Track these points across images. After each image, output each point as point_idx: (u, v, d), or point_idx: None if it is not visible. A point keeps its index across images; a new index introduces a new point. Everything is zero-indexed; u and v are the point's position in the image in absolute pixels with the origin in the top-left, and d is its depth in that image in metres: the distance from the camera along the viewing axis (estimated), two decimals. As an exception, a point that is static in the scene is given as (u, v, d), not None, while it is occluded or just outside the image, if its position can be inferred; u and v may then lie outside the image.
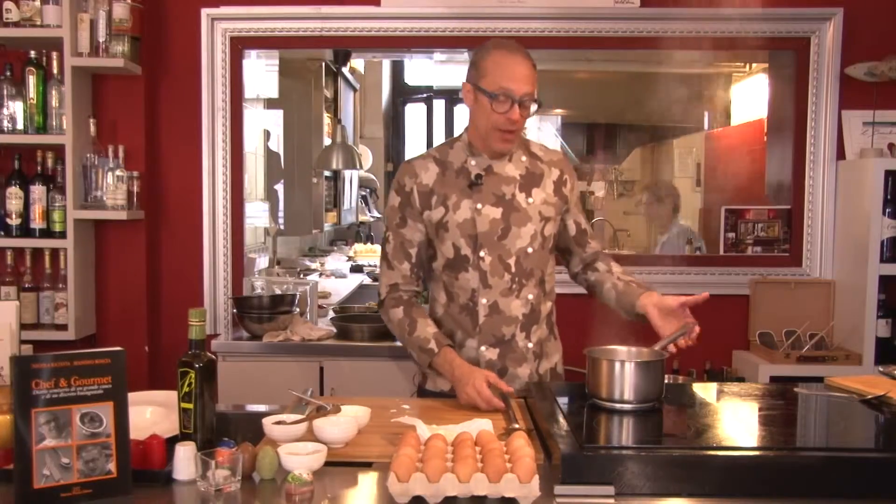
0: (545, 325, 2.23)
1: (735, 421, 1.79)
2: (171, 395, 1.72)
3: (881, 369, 1.69)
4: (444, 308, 2.20)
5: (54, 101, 3.17)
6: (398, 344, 3.12)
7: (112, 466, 1.45)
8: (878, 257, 3.17)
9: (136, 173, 3.28)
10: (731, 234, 3.59)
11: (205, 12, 3.39)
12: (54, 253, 3.22)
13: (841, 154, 3.42)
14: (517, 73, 2.05)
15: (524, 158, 2.20)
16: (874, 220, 3.16)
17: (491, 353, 2.15)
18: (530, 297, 2.16)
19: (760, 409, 1.89)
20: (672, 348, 1.97)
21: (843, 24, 3.36)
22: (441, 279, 2.20)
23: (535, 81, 2.09)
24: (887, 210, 3.18)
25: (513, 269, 2.13)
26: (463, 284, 2.15)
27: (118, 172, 3.19)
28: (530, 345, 2.18)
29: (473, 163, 2.16)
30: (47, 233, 3.21)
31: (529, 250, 2.14)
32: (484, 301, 2.13)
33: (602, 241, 2.34)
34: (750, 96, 4.60)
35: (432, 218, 2.15)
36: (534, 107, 2.10)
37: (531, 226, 2.14)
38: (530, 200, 2.15)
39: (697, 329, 1.99)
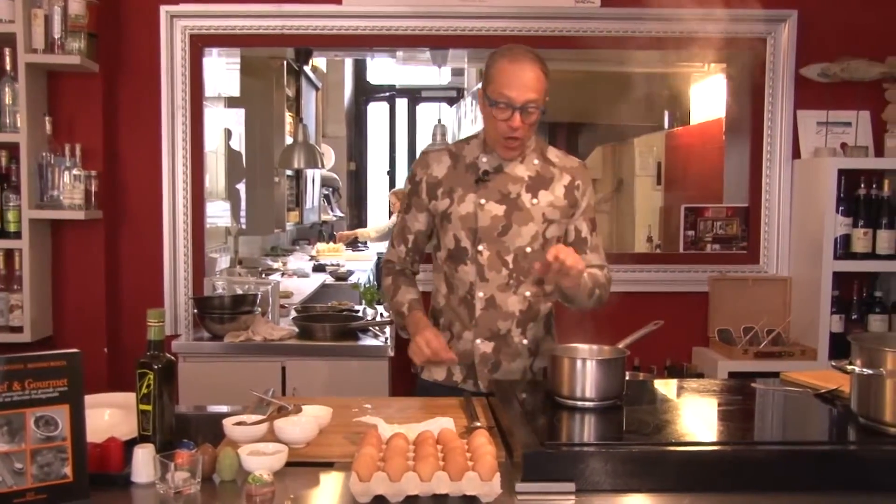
0: (542, 324, 2.26)
1: (694, 416, 1.82)
2: (130, 397, 1.70)
3: (834, 364, 1.72)
4: (445, 299, 2.25)
5: (8, 99, 3.10)
6: (360, 343, 3.13)
7: (68, 471, 1.42)
8: (831, 254, 3.23)
9: (93, 172, 3.23)
10: (691, 232, 3.64)
11: (164, 9, 3.35)
12: (9, 253, 3.15)
13: (796, 153, 3.48)
14: (518, 81, 2.06)
15: (536, 161, 2.21)
16: (828, 217, 3.23)
17: (486, 347, 2.18)
18: (528, 294, 2.18)
19: (719, 405, 1.92)
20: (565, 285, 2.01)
21: (798, 26, 3.42)
22: (443, 269, 2.25)
23: (543, 88, 2.09)
24: (840, 208, 3.25)
25: (510, 266, 2.16)
26: (462, 277, 2.19)
27: (75, 171, 3.14)
28: (525, 341, 2.21)
29: (485, 160, 2.19)
30: (2, 233, 3.14)
31: (528, 250, 2.16)
32: (481, 294, 2.17)
33: (603, 257, 2.30)
34: (709, 96, 4.66)
35: (438, 208, 2.21)
36: (538, 114, 2.09)
37: (533, 226, 2.16)
38: (535, 202, 2.17)
39: (562, 259, 1.93)
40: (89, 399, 1.58)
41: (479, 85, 2.21)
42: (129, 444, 1.56)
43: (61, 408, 1.43)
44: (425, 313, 2.23)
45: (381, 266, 2.39)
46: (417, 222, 2.27)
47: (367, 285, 4.03)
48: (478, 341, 2.18)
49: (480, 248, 2.16)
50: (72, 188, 3.13)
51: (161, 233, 3.42)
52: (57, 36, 3.09)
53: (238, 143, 4.73)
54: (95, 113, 3.31)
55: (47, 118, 3.17)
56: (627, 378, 1.88)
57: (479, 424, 1.79)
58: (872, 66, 3.34)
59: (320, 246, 6.43)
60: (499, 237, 2.15)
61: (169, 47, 3.36)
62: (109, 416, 1.85)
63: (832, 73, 3.36)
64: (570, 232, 2.26)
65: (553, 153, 2.26)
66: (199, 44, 3.41)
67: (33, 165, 3.13)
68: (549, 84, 2.11)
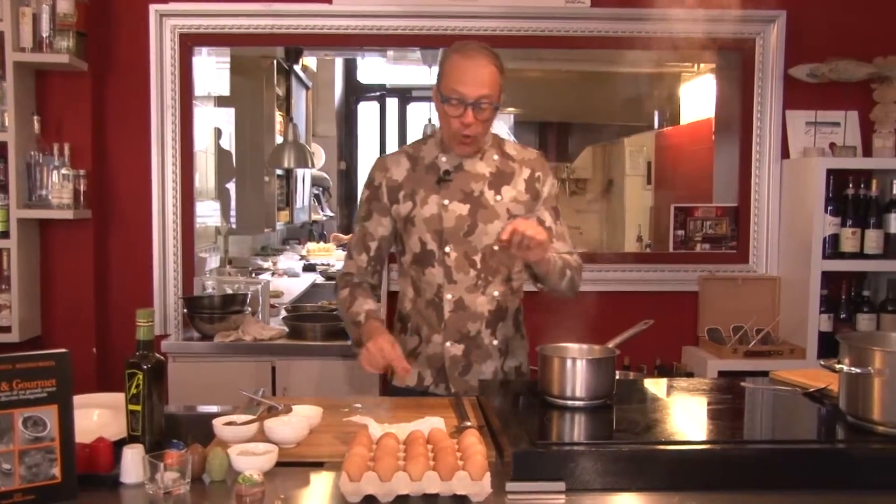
0: (511, 323, 2.24)
1: (684, 416, 1.83)
2: (119, 398, 1.69)
3: (822, 363, 1.73)
4: (412, 303, 2.21)
5: (-5, 98, 3.10)
6: (351, 343, 3.12)
7: (56, 471, 1.42)
8: (820, 254, 3.25)
9: (82, 172, 3.21)
10: (681, 232, 3.65)
11: (153, 8, 3.33)
12: (-4, 253, 3.14)
13: (785, 153, 3.50)
14: (470, 77, 2.03)
15: (496, 157, 2.19)
16: (817, 217, 3.24)
17: (456, 349, 2.15)
18: (496, 294, 2.16)
19: (709, 404, 1.92)
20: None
21: (787, 27, 3.44)
22: (409, 274, 2.21)
23: (497, 84, 2.06)
24: (829, 208, 3.27)
25: (478, 266, 2.14)
26: (429, 279, 2.15)
27: (64, 171, 3.12)
28: (496, 342, 2.19)
29: (444, 159, 2.16)
30: (-10, 233, 3.13)
31: (496, 248, 2.14)
32: (449, 296, 2.14)
33: (570, 244, 2.27)
34: (698, 96, 4.68)
35: (400, 212, 2.17)
36: (491, 110, 2.06)
37: (498, 223, 2.13)
38: (498, 198, 2.15)
39: (522, 231, 1.90)
40: (78, 399, 1.57)
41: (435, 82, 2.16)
42: (119, 445, 1.55)
43: (49, 408, 1.42)
44: (383, 324, 2.11)
45: (338, 279, 2.27)
46: (381, 227, 2.21)
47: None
48: (447, 344, 2.15)
49: (447, 249, 2.13)
50: (60, 188, 3.11)
51: (150, 232, 3.40)
52: (45, 34, 3.08)
53: (228, 143, 4.72)
54: (84, 112, 3.30)
55: (35, 117, 3.16)
56: (618, 377, 1.88)
57: (469, 424, 1.79)
58: (860, 67, 3.35)
59: (310, 245, 6.42)
60: (465, 237, 2.13)
61: (158, 46, 3.35)
62: (98, 416, 1.85)
63: (821, 73, 3.38)
64: None
65: (511, 147, 2.24)
66: (189, 43, 3.39)
67: (21, 165, 3.11)
68: (504, 81, 2.08)
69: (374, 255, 2.23)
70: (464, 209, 2.13)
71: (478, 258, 2.14)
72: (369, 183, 2.23)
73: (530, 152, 2.28)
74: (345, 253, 2.30)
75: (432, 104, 2.21)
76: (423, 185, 2.16)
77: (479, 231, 2.13)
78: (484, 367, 2.18)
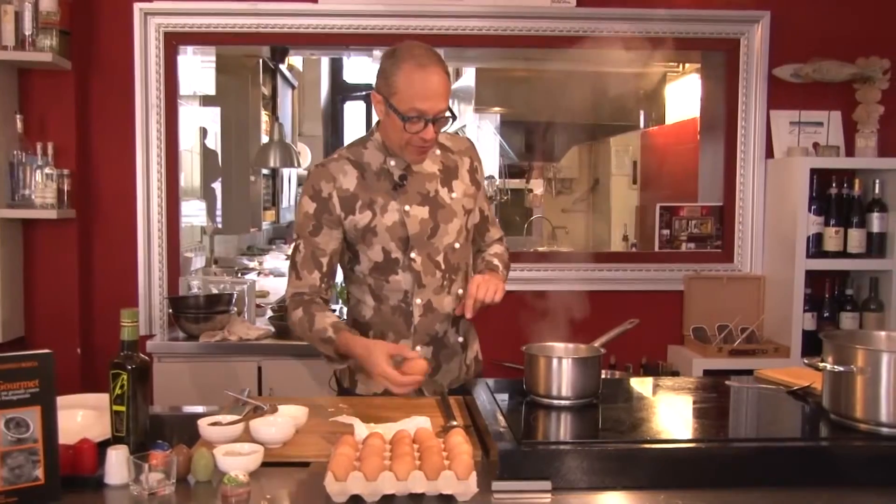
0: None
1: (669, 414, 1.84)
2: (103, 398, 1.68)
3: (806, 361, 1.74)
4: (374, 311, 2.14)
5: (-23, 97, 3.07)
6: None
7: (39, 473, 1.41)
8: (804, 253, 3.27)
9: (66, 171, 3.19)
10: (666, 231, 3.67)
11: (137, 7, 3.32)
12: (-20, 253, 3.12)
13: (770, 153, 3.52)
14: (430, 91, 1.94)
15: (438, 152, 2.15)
16: (801, 216, 3.26)
17: (426, 352, 2.12)
18: (459, 291, 2.15)
19: (694, 402, 1.94)
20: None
21: (771, 27, 3.46)
22: (366, 282, 2.13)
23: (449, 92, 2.01)
24: (813, 207, 3.29)
25: (443, 267, 2.11)
26: (394, 286, 2.10)
27: (47, 170, 3.10)
28: (460, 339, 2.19)
29: (393, 163, 2.09)
30: (-28, 233, 3.10)
31: (456, 245, 2.13)
32: (418, 301, 2.10)
33: (498, 226, 2.35)
34: (684, 96, 4.70)
35: (357, 223, 2.06)
36: (450, 121, 2.03)
37: (457, 221, 2.12)
38: (453, 195, 2.13)
39: (481, 299, 2.03)
40: (62, 400, 1.56)
41: (374, 88, 2.03)
42: (103, 446, 1.54)
43: (33, 409, 1.41)
44: (354, 332, 2.03)
45: (289, 301, 2.12)
46: (334, 241, 2.08)
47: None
48: (417, 348, 2.11)
49: (413, 255, 2.07)
50: (44, 187, 3.09)
51: (135, 232, 3.39)
52: (28, 33, 3.05)
53: (213, 142, 4.69)
54: (68, 111, 3.27)
55: (18, 116, 3.13)
56: (603, 376, 1.88)
57: (455, 423, 1.78)
58: (843, 68, 3.38)
59: (297, 245, 6.39)
60: (428, 240, 2.09)
61: (143, 45, 3.33)
62: (82, 417, 1.83)
63: (804, 73, 3.40)
64: (474, 215, 2.22)
65: (444, 138, 2.18)
66: (174, 42, 3.38)
67: (4, 164, 3.09)
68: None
69: (327, 270, 2.09)
70: (424, 212, 2.08)
71: (441, 258, 2.10)
72: (315, 195, 2.06)
73: (463, 140, 2.26)
74: (289, 271, 2.14)
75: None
76: (378, 192, 2.06)
77: (440, 232, 2.10)
78: (451, 365, 2.18)
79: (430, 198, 2.10)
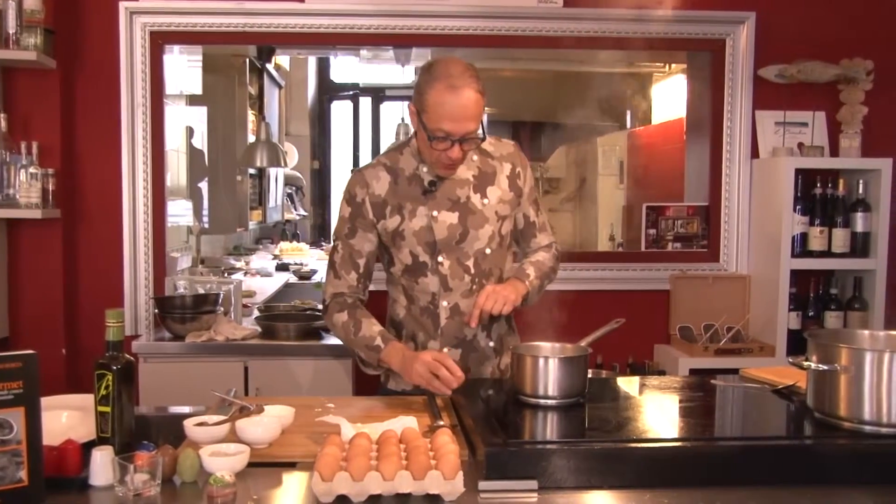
0: (504, 321, 2.24)
1: (656, 413, 1.84)
2: (88, 399, 1.68)
3: (791, 360, 1.75)
4: (406, 310, 2.19)
5: (-39, 95, 3.05)
6: (324, 342, 3.11)
7: (23, 474, 1.40)
8: (789, 252, 3.29)
9: (51, 171, 3.16)
10: (653, 231, 3.68)
11: (123, 5, 3.30)
12: (-37, 253, 3.09)
13: (755, 153, 3.53)
14: (458, 113, 1.96)
15: (475, 158, 2.17)
16: (786, 216, 3.28)
17: (454, 355, 2.13)
18: None
19: (680, 402, 1.94)
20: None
21: (756, 28, 3.48)
22: (400, 283, 2.18)
23: (482, 111, 2.02)
24: (798, 207, 3.31)
25: (472, 271, 2.13)
26: (423, 288, 2.14)
27: (32, 170, 3.08)
28: (491, 343, 2.19)
29: (425, 169, 2.12)
30: (-45, 232, 3.08)
31: (487, 251, 2.14)
32: (445, 304, 2.13)
33: (550, 232, 2.33)
34: (670, 96, 4.72)
35: (387, 227, 2.13)
36: (477, 139, 2.05)
37: (489, 227, 2.13)
38: (486, 201, 2.13)
39: (487, 311, 2.04)
40: (46, 401, 1.55)
41: (412, 100, 2.07)
42: (87, 447, 1.54)
43: (16, 410, 1.40)
44: (401, 343, 2.12)
45: (329, 302, 2.19)
46: (368, 243, 2.16)
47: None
48: (445, 350, 2.14)
49: (440, 259, 2.11)
50: (28, 186, 3.07)
51: (121, 232, 3.37)
52: (12, 31, 3.03)
53: (200, 142, 4.68)
54: (53, 110, 3.25)
55: (2, 115, 3.11)
56: (590, 376, 1.89)
57: (442, 423, 1.78)
58: (827, 68, 3.40)
59: (283, 245, 6.39)
60: (457, 245, 2.11)
61: (128, 44, 3.31)
62: (67, 418, 1.82)
63: (789, 74, 3.42)
64: (518, 220, 2.25)
65: (487, 143, 2.19)
66: (160, 41, 3.36)
67: (-12, 163, 3.07)
68: (486, 97, 2.04)
69: (364, 271, 2.18)
70: (453, 218, 2.11)
71: (471, 263, 2.13)
72: (350, 199, 2.16)
73: (506, 146, 2.26)
74: (327, 271, 2.21)
75: (405, 104, 2.16)
76: (408, 197, 2.12)
77: (470, 237, 2.12)
78: (482, 370, 2.19)
79: (460, 203, 2.12)
